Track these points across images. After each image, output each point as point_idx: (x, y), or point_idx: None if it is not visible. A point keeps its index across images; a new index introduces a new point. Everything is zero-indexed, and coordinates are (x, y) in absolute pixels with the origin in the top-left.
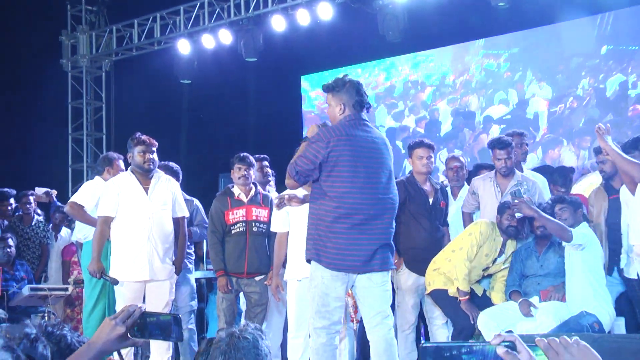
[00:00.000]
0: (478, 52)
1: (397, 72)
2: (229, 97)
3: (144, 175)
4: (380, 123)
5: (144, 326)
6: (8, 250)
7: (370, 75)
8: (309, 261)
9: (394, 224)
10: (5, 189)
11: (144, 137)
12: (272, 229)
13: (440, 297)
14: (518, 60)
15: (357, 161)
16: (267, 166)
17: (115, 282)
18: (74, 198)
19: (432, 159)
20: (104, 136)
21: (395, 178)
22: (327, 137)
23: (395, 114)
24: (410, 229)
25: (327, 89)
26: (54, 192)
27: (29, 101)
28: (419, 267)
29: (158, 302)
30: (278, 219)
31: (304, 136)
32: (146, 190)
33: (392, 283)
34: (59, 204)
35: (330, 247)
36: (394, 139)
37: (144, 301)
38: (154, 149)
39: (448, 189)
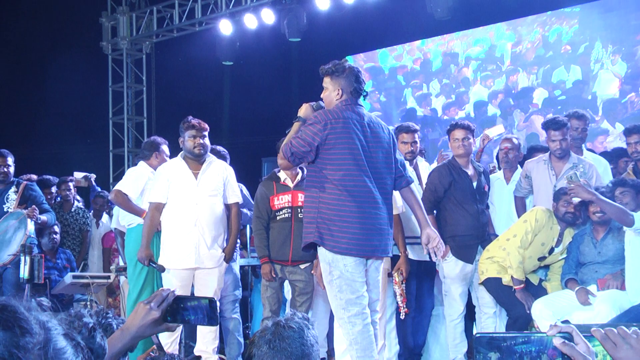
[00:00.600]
0: (531, 29)
1: (445, 50)
2: (272, 78)
3: (195, 160)
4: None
5: (177, 311)
6: (54, 237)
7: (417, 54)
8: (308, 246)
9: (392, 210)
10: (47, 176)
11: (194, 121)
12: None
13: (493, 285)
14: (582, 33)
15: (355, 143)
16: None
17: (162, 269)
18: (119, 186)
19: (471, 141)
20: (145, 120)
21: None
22: (325, 120)
23: (440, 93)
24: (455, 215)
25: (326, 72)
26: (93, 176)
27: (69, 85)
28: (466, 254)
29: (206, 290)
30: None
31: (296, 116)
32: (196, 175)
33: (438, 272)
34: (98, 188)
35: (340, 233)
36: (438, 120)
37: (192, 289)
38: (205, 133)
39: (501, 173)
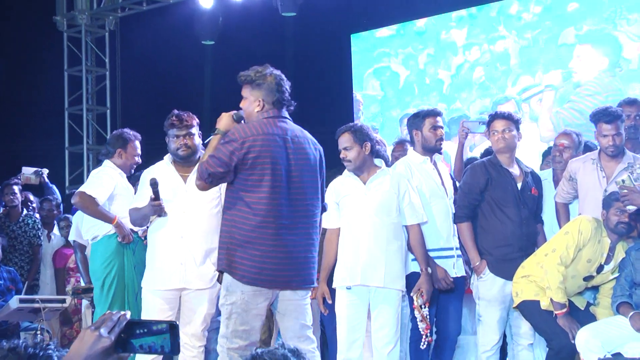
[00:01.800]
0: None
1: (468, 26)
2: (262, 61)
3: (183, 162)
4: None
5: (129, 338)
6: None
7: (434, 32)
8: (221, 272)
9: (318, 235)
10: None
11: (175, 117)
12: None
13: (530, 310)
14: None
15: (277, 164)
16: None
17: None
18: (85, 188)
19: (514, 133)
20: (108, 111)
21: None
22: (242, 137)
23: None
24: (493, 221)
25: (245, 81)
26: (45, 172)
27: (16, 69)
28: (506, 269)
29: (193, 315)
30: (329, 212)
31: (215, 128)
32: (184, 179)
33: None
34: (53, 187)
35: (247, 258)
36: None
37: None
38: (193, 130)
39: (550, 175)
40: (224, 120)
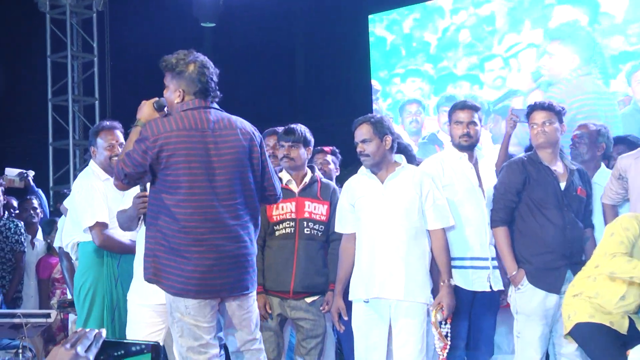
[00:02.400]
0: None
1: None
2: (269, 46)
3: None
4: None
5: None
6: None
7: (460, 11)
8: (149, 281)
9: (252, 236)
10: None
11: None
12: (335, 229)
13: (584, 334)
14: None
15: (194, 162)
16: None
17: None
18: (95, 217)
19: (556, 126)
20: (97, 102)
21: None
22: (154, 134)
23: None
24: (532, 226)
25: (166, 67)
26: (31, 174)
27: None
28: (547, 280)
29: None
30: (343, 215)
31: (135, 118)
32: None
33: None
34: (39, 191)
35: (172, 267)
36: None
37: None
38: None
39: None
40: (145, 110)
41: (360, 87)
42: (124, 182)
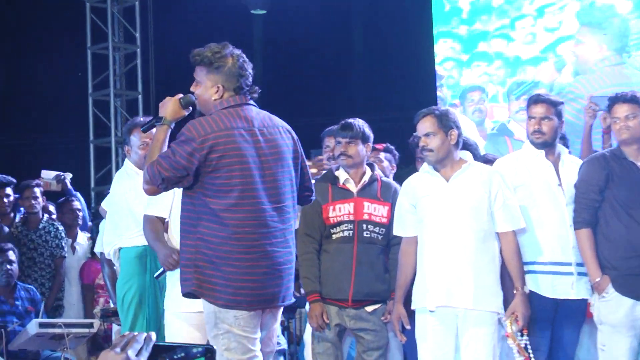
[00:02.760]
0: None
1: None
2: (324, 34)
3: None
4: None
5: None
6: (8, 268)
7: None
8: (187, 295)
9: (295, 241)
10: (0, 175)
11: None
12: (395, 232)
13: None
14: None
15: (246, 162)
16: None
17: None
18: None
19: None
20: (140, 96)
21: None
22: (202, 135)
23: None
24: (617, 228)
25: (200, 62)
26: (69, 176)
27: (28, 49)
28: (635, 286)
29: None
30: (403, 216)
31: (157, 116)
32: None
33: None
34: (78, 194)
35: (219, 277)
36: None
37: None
38: None
39: None
40: (171, 107)
41: (423, 76)
42: (161, 186)
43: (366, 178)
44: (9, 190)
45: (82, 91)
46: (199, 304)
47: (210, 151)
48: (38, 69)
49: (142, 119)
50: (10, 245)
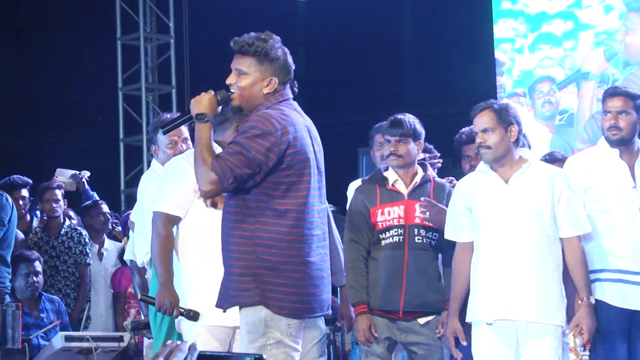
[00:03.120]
0: None
1: None
2: (372, 21)
3: None
4: None
5: None
6: (34, 280)
7: None
8: (245, 304)
9: None
10: (15, 176)
11: None
12: (447, 236)
13: None
14: None
15: (310, 160)
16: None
17: (196, 317)
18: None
19: None
20: (174, 90)
21: None
22: (280, 129)
23: None
24: None
25: (248, 51)
26: (86, 175)
27: (51, 40)
28: None
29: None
30: (457, 220)
31: (187, 110)
32: None
33: None
34: (94, 195)
35: (283, 284)
36: None
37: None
38: None
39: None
40: (209, 103)
41: (480, 64)
42: (231, 186)
43: (417, 179)
44: (24, 192)
45: (111, 85)
46: (222, 316)
47: (288, 146)
48: (62, 61)
49: (168, 116)
50: (36, 254)
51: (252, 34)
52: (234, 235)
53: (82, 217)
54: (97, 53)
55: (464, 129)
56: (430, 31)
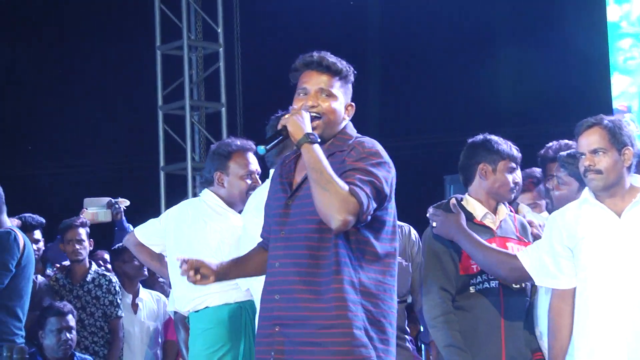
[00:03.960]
0: None
1: None
2: (460, 29)
3: None
4: None
5: None
6: (67, 337)
7: None
8: None
9: None
10: (27, 215)
11: None
12: (541, 283)
13: None
14: None
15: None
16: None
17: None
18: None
19: None
20: (224, 108)
21: None
22: (389, 160)
23: None
24: None
25: (336, 72)
26: (124, 203)
27: (85, 49)
28: None
29: None
30: (557, 263)
31: (278, 130)
32: None
33: None
34: (130, 228)
35: (380, 340)
36: None
37: None
38: None
39: None
40: (306, 121)
41: (591, 77)
42: (368, 218)
43: (503, 213)
44: (37, 235)
45: (150, 103)
46: None
47: (393, 178)
48: (89, 75)
49: (243, 142)
50: (69, 306)
51: (330, 55)
52: (335, 281)
53: (112, 262)
54: (132, 65)
55: (551, 144)
56: (526, 40)
